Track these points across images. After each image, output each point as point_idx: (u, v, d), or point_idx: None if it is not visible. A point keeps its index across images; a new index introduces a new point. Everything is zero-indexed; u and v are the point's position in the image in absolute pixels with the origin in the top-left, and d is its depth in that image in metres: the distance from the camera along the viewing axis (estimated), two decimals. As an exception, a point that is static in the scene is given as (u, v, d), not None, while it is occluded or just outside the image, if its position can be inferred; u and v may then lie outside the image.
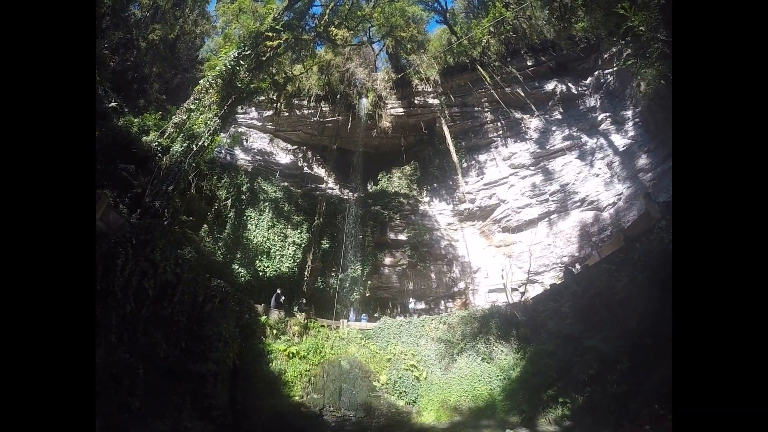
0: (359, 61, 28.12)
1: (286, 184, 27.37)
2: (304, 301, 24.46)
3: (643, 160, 24.80)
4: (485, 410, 16.80)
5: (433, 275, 26.49)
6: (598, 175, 26.34)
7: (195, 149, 19.82)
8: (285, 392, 19.36)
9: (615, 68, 26.02)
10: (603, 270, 16.69)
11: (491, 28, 25.18)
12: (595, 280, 16.99)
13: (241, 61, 19.68)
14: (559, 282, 21.37)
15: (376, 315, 25.34)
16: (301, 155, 30.10)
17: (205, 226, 23.46)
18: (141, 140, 20.65)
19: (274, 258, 24.74)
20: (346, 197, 28.61)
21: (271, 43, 19.35)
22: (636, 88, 24.53)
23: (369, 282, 25.81)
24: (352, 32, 22.38)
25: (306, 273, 24.73)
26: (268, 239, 24.88)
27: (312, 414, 18.57)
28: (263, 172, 27.21)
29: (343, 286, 25.70)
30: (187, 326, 16.93)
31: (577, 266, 22.02)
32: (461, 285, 26.43)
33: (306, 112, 28.65)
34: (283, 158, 29.55)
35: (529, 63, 28.40)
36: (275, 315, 22.19)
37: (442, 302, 26.36)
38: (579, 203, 26.58)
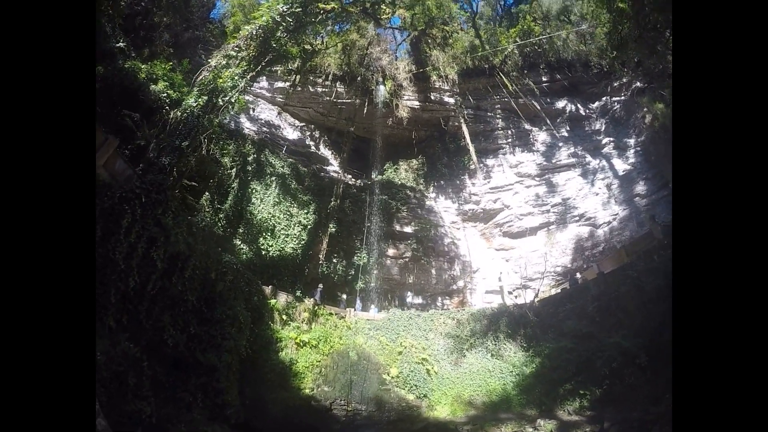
0: (383, 47, 25.62)
1: (292, 160, 23.91)
2: (321, 286, 21.46)
3: (640, 187, 24.94)
4: (500, 404, 16.15)
5: (433, 271, 24.54)
6: (597, 194, 26.05)
7: (221, 104, 16.41)
8: (295, 384, 16.71)
9: (623, 97, 26.18)
10: (625, 276, 17.22)
11: (517, 39, 24.27)
12: (614, 285, 17.47)
13: (287, 18, 16.50)
14: (569, 288, 20.95)
15: (373, 306, 23.13)
16: (308, 133, 26.61)
17: (207, 194, 19.48)
18: (149, 88, 16.67)
19: (279, 237, 21.24)
20: (351, 182, 25.86)
21: (324, 5, 16.41)
22: (641, 118, 24.65)
23: (375, 271, 23.41)
24: (409, 10, 20.17)
25: (321, 256, 21.54)
26: (274, 216, 21.34)
27: (322, 408, 16.17)
28: (270, 145, 23.53)
29: (349, 272, 23.07)
30: (197, 308, 13.43)
31: (578, 275, 21.83)
32: (460, 283, 24.79)
33: (320, 90, 25.27)
34: (291, 134, 25.85)
35: (544, 78, 27.49)
36: (283, 299, 19.09)
37: (440, 299, 24.59)
38: (577, 218, 26.13)
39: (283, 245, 21.33)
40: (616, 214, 25.16)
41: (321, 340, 18.29)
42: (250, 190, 21.01)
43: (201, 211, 18.34)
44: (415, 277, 24.43)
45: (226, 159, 20.75)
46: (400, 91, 25.21)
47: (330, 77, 24.52)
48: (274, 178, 21.95)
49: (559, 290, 22.05)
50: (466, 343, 19.44)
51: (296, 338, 17.78)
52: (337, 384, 16.99)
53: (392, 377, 17.83)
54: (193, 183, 18.40)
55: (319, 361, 17.65)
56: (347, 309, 21.03)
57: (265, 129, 24.89)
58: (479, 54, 24.88)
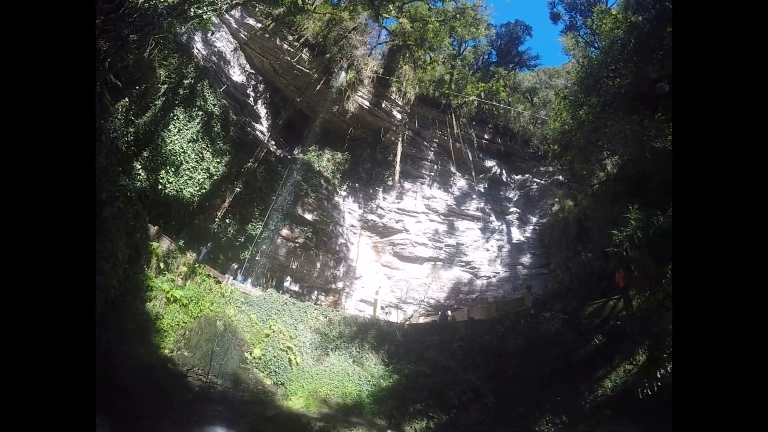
0: (363, 38, 25.31)
1: (225, 103, 21.88)
2: (210, 245, 20.06)
3: (526, 258, 29.09)
4: (353, 408, 17.13)
5: (318, 264, 24.85)
6: (488, 251, 29.51)
7: (191, 14, 15.05)
8: (156, 341, 15.74)
9: (543, 182, 30.46)
10: (492, 328, 20.11)
11: (482, 93, 26.86)
12: (481, 332, 20.15)
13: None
14: (438, 321, 23.32)
15: (250, 280, 22.58)
16: (254, 84, 24.62)
17: (127, 99, 16.75)
18: (129, -41, 14.22)
19: (182, 176, 19.25)
20: (273, 149, 24.71)
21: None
22: (550, 205, 29.09)
23: (264, 246, 22.83)
24: (411, 23, 20.38)
25: (218, 213, 20.18)
26: (185, 152, 19.24)
27: (179, 373, 15.59)
28: (211, 78, 21.18)
29: (238, 238, 22.06)
30: (74, 229, 11.77)
31: (450, 313, 24.77)
32: (340, 285, 25.56)
33: (286, 47, 23.76)
34: (236, 75, 23.61)
35: (486, 136, 30.52)
36: (166, 245, 17.56)
37: (316, 293, 24.97)
38: (463, 264, 29.16)
39: (183, 186, 19.47)
40: (497, 273, 29.06)
41: (192, 300, 17.20)
42: (172, 114, 18.69)
43: (114, 116, 15.77)
44: (300, 264, 24.57)
45: (163, 71, 18.19)
46: (358, 86, 25.40)
47: (302, 40, 23.44)
48: (201, 113, 19.92)
49: (428, 320, 24.56)
50: (333, 343, 20.13)
51: (168, 292, 16.48)
52: (198, 351, 16.31)
53: (254, 358, 17.68)
54: (118, 82, 15.79)
55: (186, 323, 16.61)
56: (226, 275, 20.22)
57: (214, 59, 22.43)
58: (443, 89, 26.85)
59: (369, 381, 18.60)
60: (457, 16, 25.67)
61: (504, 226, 30.59)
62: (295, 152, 25.75)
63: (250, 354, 17.87)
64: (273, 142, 25.19)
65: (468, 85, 28.42)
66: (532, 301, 22.11)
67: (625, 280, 17.50)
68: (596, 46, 22.40)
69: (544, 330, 18.73)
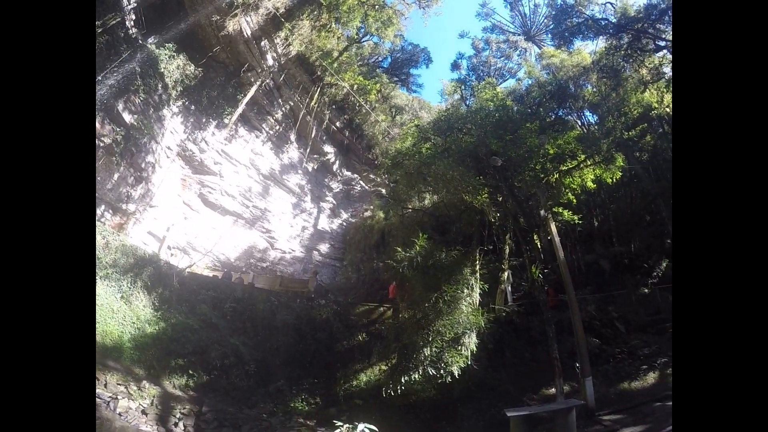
0: None
1: None
2: None
3: (324, 247, 32.83)
4: (112, 351, 16.34)
5: (116, 176, 22.47)
6: (292, 227, 32.00)
7: None
8: None
9: (366, 187, 34.78)
10: (269, 299, 22.36)
11: (355, 85, 29.05)
12: (257, 301, 22.09)
13: None
14: (220, 278, 24.94)
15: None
16: None
17: None
18: None
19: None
20: (129, 26, 20.82)
21: None
22: (362, 210, 33.83)
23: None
24: None
25: None
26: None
27: None
28: None
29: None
30: None
31: (233, 273, 26.47)
32: (131, 207, 23.67)
33: None
34: None
35: (338, 124, 32.89)
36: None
37: (104, 207, 22.34)
38: (264, 231, 30.89)
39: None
40: (294, 251, 32.12)
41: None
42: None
43: None
44: (97, 169, 22.30)
45: None
46: (251, 11, 24.42)
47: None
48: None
49: (212, 275, 25.65)
50: (104, 270, 18.36)
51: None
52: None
53: (10, 270, 15.96)
54: None
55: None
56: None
57: None
58: (325, 62, 28.34)
59: (134, 323, 17.78)
60: (377, 7, 27.67)
61: (315, 211, 34.29)
62: (149, 41, 22.84)
63: (6, 265, 15.81)
64: (132, 18, 21.71)
65: (349, 71, 30.85)
66: (315, 287, 25.21)
67: (394, 294, 21.15)
68: (467, 104, 27.74)
69: (315, 314, 21.44)
